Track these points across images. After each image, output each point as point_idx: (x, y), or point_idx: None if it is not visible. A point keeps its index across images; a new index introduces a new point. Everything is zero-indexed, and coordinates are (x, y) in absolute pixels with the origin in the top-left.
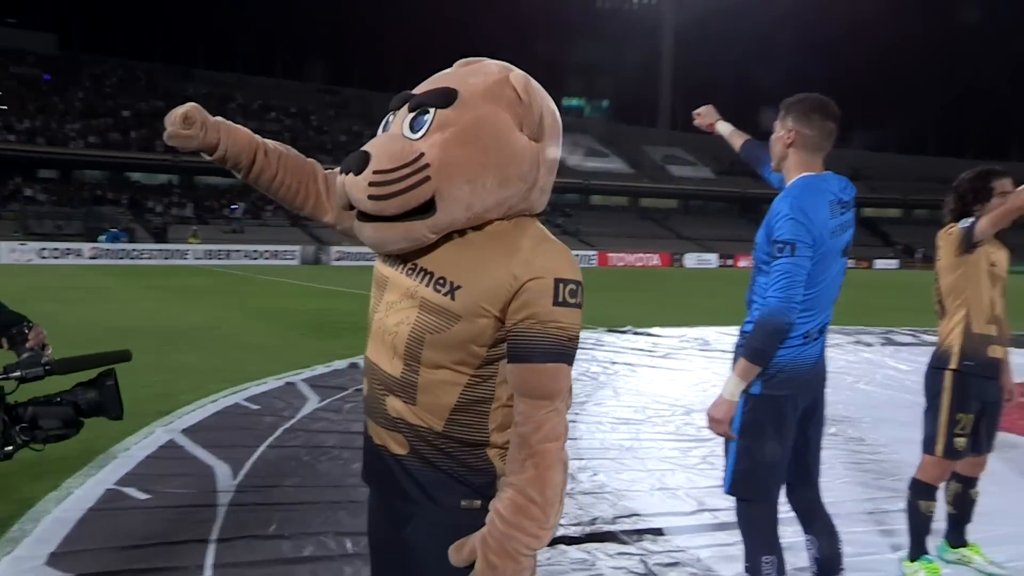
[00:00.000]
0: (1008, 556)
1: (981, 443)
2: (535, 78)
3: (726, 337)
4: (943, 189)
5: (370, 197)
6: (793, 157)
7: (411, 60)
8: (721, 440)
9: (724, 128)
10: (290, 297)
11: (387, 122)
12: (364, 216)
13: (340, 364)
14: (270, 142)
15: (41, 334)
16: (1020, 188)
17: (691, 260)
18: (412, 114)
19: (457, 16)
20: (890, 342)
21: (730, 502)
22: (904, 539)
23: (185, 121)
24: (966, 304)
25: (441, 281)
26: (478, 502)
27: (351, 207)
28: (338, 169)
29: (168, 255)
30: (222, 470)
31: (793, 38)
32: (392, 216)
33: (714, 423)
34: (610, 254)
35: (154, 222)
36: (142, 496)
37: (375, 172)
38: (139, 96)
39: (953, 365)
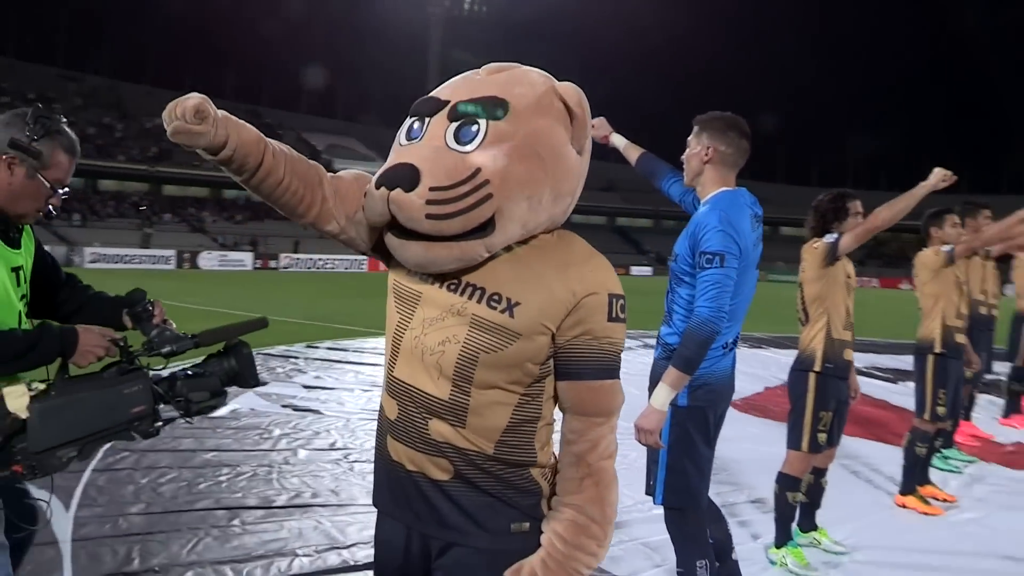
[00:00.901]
0: (844, 535)
1: (834, 437)
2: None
3: None
4: None
5: (428, 216)
6: (710, 173)
7: (170, 52)
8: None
9: (619, 141)
10: None
11: (411, 128)
12: (411, 234)
13: None
14: (272, 140)
15: (163, 310)
16: (877, 210)
17: None
18: (456, 124)
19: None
20: (648, 346)
21: None
22: (759, 527)
23: (197, 115)
24: (827, 312)
25: (496, 297)
26: (527, 524)
27: (387, 223)
28: (371, 181)
29: None
30: (52, 502)
31: (581, 45)
32: (448, 236)
33: (644, 434)
34: None
35: None
36: None
37: (432, 189)
38: None
39: (816, 368)
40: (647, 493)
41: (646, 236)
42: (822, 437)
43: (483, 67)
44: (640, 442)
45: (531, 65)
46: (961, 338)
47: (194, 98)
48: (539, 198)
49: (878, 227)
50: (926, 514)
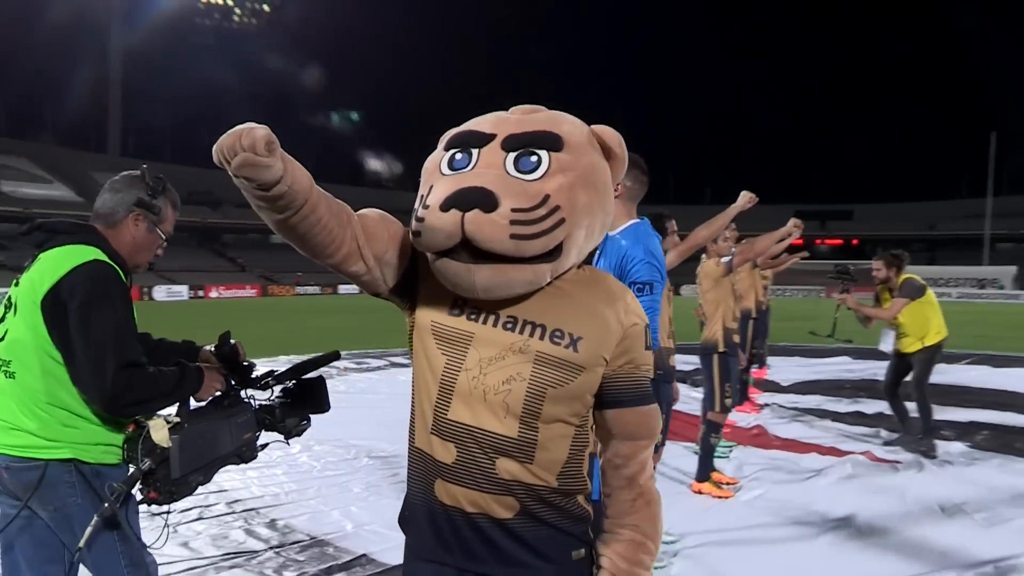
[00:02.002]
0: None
1: (663, 438)
2: None
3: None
4: None
5: (513, 236)
6: (620, 207)
7: None
8: None
9: None
10: None
11: (454, 158)
12: (480, 258)
13: None
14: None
15: (243, 349)
16: (696, 229)
17: (160, 293)
18: (514, 154)
19: None
20: (366, 367)
21: None
22: None
23: (267, 145)
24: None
25: (558, 333)
26: (583, 551)
27: (451, 247)
28: (428, 206)
29: None
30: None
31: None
32: (523, 258)
33: None
34: None
35: None
36: None
37: (515, 211)
38: None
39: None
40: None
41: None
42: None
43: (512, 108)
44: None
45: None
46: (736, 337)
47: (261, 128)
48: (593, 228)
49: (699, 244)
50: (720, 497)
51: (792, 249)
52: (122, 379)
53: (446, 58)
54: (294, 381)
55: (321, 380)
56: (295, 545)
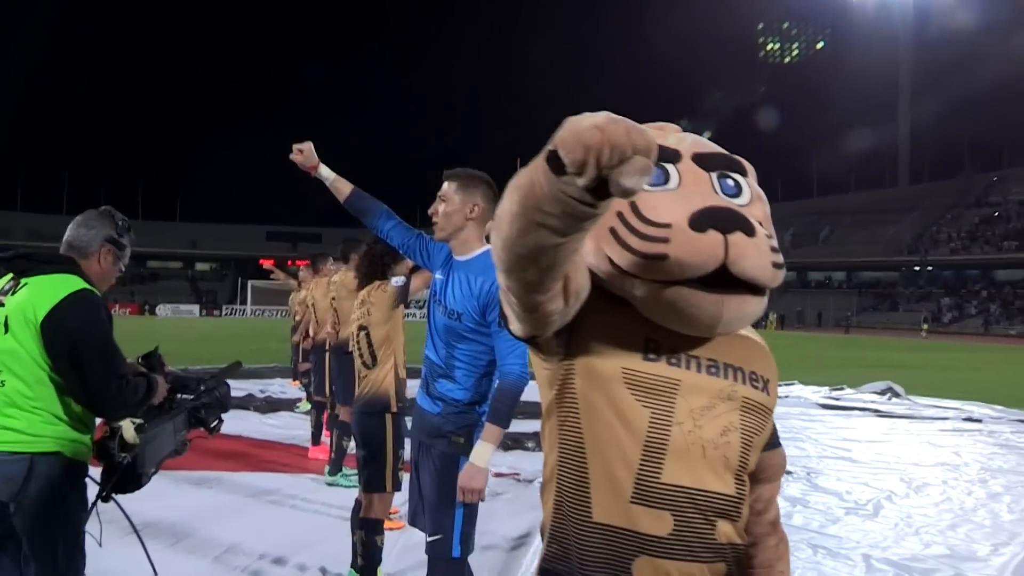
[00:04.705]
0: (322, 559)
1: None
2: None
3: None
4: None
5: (774, 264)
6: (473, 230)
7: None
8: None
9: (327, 173)
10: None
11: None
12: (729, 287)
13: None
14: None
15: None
16: None
17: None
18: (715, 174)
19: None
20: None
21: None
22: None
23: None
24: (395, 352)
25: (755, 376)
26: None
27: (703, 274)
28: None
29: None
30: None
31: None
32: (763, 289)
33: (476, 493)
34: None
35: None
36: None
37: (769, 237)
38: None
39: (392, 408)
40: (426, 551)
41: None
42: (400, 475)
43: (648, 124)
44: (466, 502)
45: None
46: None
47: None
48: None
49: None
50: (391, 529)
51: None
52: (118, 390)
53: None
54: (214, 386)
55: (227, 384)
56: None
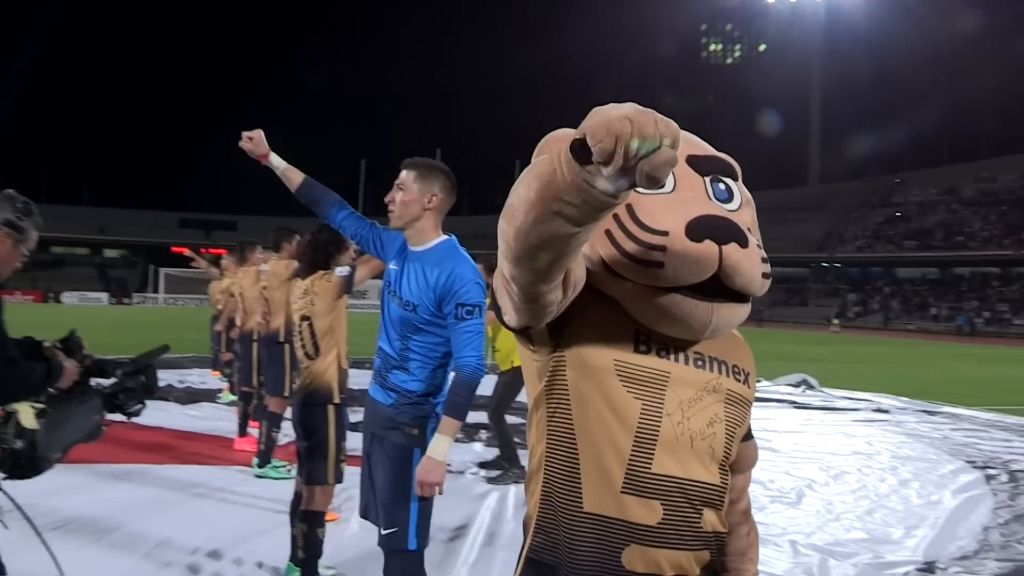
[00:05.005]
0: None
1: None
2: None
3: None
4: None
5: (763, 275)
6: (430, 220)
7: None
8: None
9: (278, 162)
10: None
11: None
12: (719, 295)
13: None
14: None
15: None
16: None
17: None
18: (708, 178)
19: None
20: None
21: None
22: None
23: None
24: (337, 344)
25: (737, 369)
26: None
27: (696, 281)
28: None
29: None
30: None
31: None
32: (748, 297)
33: (433, 487)
34: None
35: None
36: None
37: (759, 246)
38: None
39: (335, 400)
40: (380, 545)
41: None
42: (343, 466)
43: None
44: (423, 495)
45: None
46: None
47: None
48: None
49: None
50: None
51: (183, 259)
52: (5, 374)
53: None
54: (133, 370)
55: (153, 369)
56: None
